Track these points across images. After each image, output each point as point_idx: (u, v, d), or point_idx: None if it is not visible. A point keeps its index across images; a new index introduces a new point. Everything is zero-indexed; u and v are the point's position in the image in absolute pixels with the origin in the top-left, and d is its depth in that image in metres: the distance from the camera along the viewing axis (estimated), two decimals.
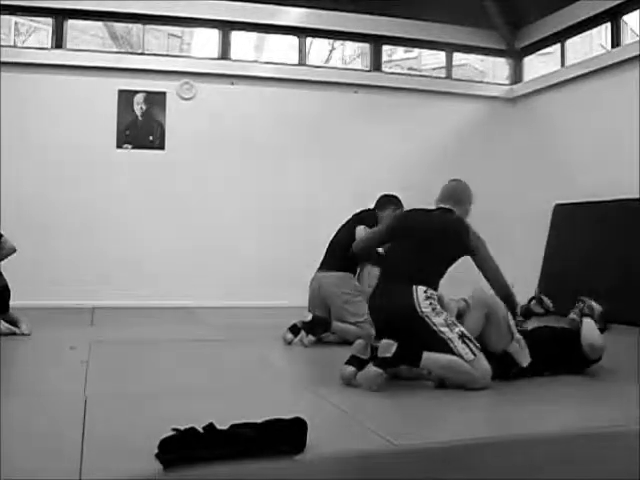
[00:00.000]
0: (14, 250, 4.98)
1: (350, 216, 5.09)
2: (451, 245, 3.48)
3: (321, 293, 4.88)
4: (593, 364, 3.65)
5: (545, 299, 3.78)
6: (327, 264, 4.98)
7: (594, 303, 3.75)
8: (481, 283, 3.56)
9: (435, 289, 3.40)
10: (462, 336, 3.23)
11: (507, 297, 3.50)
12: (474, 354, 3.20)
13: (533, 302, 3.82)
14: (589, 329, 3.60)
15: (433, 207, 3.72)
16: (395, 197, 4.99)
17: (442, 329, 3.24)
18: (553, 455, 2.31)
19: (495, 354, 3.36)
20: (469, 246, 3.46)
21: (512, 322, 3.45)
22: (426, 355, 3.17)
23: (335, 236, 5.06)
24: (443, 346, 3.20)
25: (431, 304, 3.29)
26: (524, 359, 3.45)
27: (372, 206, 5.03)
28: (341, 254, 4.81)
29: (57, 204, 7.08)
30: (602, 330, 3.68)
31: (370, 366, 3.18)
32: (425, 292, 3.31)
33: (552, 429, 2.57)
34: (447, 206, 3.66)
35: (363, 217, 4.96)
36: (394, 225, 3.75)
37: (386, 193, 5.06)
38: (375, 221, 4.82)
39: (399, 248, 3.60)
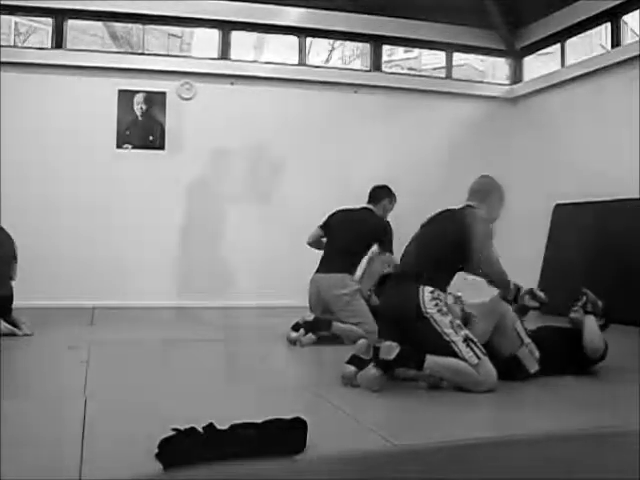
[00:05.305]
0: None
1: (338, 209, 5.17)
2: (452, 248, 3.38)
3: (320, 296, 4.87)
4: (596, 363, 3.63)
5: (538, 292, 3.70)
6: (325, 265, 4.95)
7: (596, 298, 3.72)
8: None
9: (443, 290, 3.34)
10: (467, 339, 3.19)
11: (506, 287, 3.45)
12: (478, 358, 3.16)
13: (527, 297, 3.74)
14: (591, 329, 3.58)
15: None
16: (386, 187, 5.08)
17: (447, 330, 3.20)
18: (553, 455, 2.31)
19: (503, 358, 3.33)
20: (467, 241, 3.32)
21: (521, 328, 3.40)
22: (430, 358, 3.15)
23: (333, 237, 5.02)
24: (447, 348, 3.17)
25: (437, 305, 3.24)
26: (532, 365, 3.42)
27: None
28: (340, 256, 4.84)
29: (56, 204, 7.06)
30: (603, 327, 3.65)
31: (370, 367, 3.17)
32: (432, 292, 3.27)
33: (552, 429, 2.57)
34: (471, 203, 3.61)
35: (370, 229, 4.91)
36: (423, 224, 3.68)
37: (377, 185, 5.13)
38: (382, 231, 4.85)
39: (412, 248, 3.58)
